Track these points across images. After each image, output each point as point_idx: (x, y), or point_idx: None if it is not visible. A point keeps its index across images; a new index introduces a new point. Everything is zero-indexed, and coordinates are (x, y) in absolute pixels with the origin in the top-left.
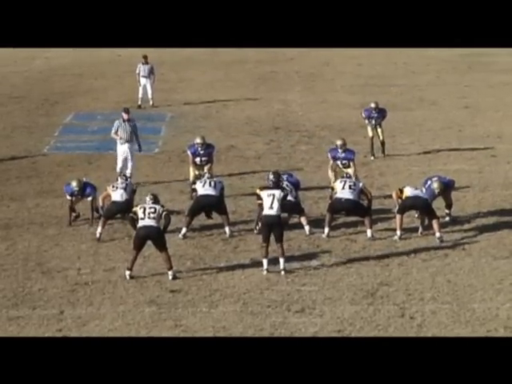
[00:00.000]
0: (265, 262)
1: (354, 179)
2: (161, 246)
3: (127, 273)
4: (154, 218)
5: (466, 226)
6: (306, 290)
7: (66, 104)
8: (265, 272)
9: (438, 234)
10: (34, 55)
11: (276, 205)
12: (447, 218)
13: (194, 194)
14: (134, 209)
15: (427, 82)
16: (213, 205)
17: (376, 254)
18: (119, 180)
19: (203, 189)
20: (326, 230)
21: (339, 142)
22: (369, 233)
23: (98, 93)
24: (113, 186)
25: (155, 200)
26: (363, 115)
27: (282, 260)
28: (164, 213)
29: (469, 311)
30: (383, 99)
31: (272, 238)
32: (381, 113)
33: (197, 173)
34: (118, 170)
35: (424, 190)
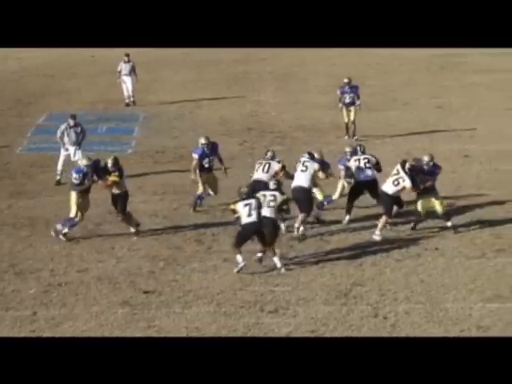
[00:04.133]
0: (239, 257)
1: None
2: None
3: None
4: None
5: (439, 226)
6: (279, 291)
7: (39, 105)
8: (241, 265)
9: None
10: (6, 56)
11: (254, 212)
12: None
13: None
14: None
15: (400, 82)
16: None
17: (349, 254)
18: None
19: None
20: (347, 217)
21: (348, 149)
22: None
23: (71, 93)
24: None
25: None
26: (338, 93)
27: (275, 259)
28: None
29: (442, 311)
30: None
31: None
32: (354, 88)
33: (201, 186)
34: (58, 171)
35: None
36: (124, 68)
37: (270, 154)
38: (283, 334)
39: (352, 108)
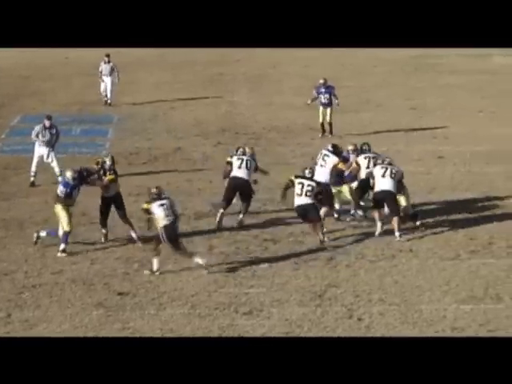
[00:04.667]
0: (156, 261)
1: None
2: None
3: None
4: None
5: (414, 228)
6: (253, 292)
7: (13, 106)
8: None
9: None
10: None
11: (170, 212)
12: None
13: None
14: None
15: (374, 83)
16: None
17: (324, 256)
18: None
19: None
20: (379, 224)
21: (351, 148)
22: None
23: (46, 95)
24: None
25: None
26: (314, 93)
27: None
28: None
29: (416, 312)
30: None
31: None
32: (329, 89)
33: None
34: (33, 172)
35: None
36: (104, 68)
37: (244, 150)
38: (258, 335)
39: (328, 109)
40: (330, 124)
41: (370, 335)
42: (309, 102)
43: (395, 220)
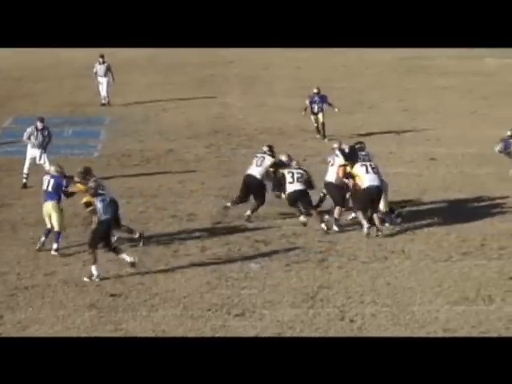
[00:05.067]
0: (94, 269)
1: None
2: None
3: None
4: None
5: (406, 229)
6: (245, 294)
7: (5, 108)
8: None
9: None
10: None
11: (109, 209)
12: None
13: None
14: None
15: (366, 85)
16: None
17: (316, 257)
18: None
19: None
20: (366, 225)
21: (335, 145)
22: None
23: (38, 96)
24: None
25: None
26: (307, 102)
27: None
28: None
29: (408, 314)
30: None
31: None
32: (322, 98)
33: None
34: (25, 174)
35: None
36: (99, 69)
37: (265, 148)
38: (250, 336)
39: (320, 114)
40: (323, 125)
41: (362, 336)
42: (303, 113)
43: (377, 216)
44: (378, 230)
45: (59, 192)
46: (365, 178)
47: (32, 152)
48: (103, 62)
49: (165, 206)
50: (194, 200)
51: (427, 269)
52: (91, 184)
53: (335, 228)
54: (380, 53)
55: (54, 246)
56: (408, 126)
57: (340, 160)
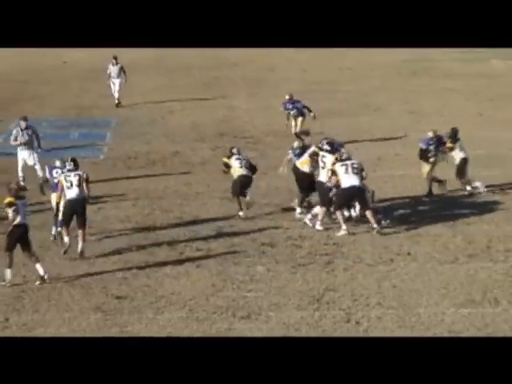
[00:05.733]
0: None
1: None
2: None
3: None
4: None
5: (412, 231)
6: (251, 296)
7: (11, 110)
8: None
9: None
10: None
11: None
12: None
13: None
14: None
15: (372, 87)
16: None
17: (322, 260)
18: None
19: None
20: (344, 226)
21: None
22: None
23: (44, 99)
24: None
25: (75, 165)
26: (281, 109)
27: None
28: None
29: (414, 316)
30: (328, 105)
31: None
32: (295, 103)
33: None
34: (20, 176)
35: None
36: (113, 70)
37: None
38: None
39: (300, 118)
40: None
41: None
42: (286, 122)
43: (369, 213)
44: (373, 228)
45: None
46: (343, 178)
47: (22, 154)
48: (116, 63)
49: (170, 208)
50: (200, 202)
51: (433, 271)
52: (13, 185)
53: (318, 227)
54: (385, 55)
55: (54, 230)
56: (413, 128)
57: (330, 159)
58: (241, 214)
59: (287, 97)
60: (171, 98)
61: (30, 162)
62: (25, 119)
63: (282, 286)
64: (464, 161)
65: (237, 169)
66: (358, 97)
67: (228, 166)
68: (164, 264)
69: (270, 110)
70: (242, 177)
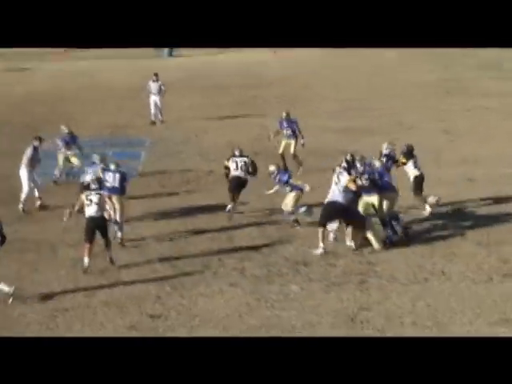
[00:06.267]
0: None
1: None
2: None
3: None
4: (97, 204)
5: (446, 250)
6: (285, 315)
7: (45, 130)
8: None
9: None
10: (13, 81)
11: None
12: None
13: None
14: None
15: (406, 105)
16: None
17: (355, 279)
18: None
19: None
20: (321, 244)
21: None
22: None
23: (78, 118)
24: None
25: (99, 184)
26: (278, 127)
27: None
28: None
29: (448, 335)
30: (362, 123)
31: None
32: (291, 123)
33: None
34: (23, 198)
35: None
36: (153, 87)
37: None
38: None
39: (292, 141)
40: (295, 156)
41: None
42: (272, 136)
43: (350, 230)
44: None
45: (123, 185)
46: (330, 191)
47: (30, 175)
48: (157, 80)
49: (204, 227)
50: (234, 221)
51: (467, 290)
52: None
53: (316, 251)
54: (419, 74)
55: (119, 234)
56: (447, 147)
57: (346, 177)
58: (229, 207)
59: (284, 114)
60: (206, 116)
61: (33, 183)
62: (39, 140)
63: (315, 304)
64: (417, 178)
65: (232, 170)
66: (392, 115)
67: (227, 168)
68: (198, 283)
69: (305, 129)
70: (235, 178)
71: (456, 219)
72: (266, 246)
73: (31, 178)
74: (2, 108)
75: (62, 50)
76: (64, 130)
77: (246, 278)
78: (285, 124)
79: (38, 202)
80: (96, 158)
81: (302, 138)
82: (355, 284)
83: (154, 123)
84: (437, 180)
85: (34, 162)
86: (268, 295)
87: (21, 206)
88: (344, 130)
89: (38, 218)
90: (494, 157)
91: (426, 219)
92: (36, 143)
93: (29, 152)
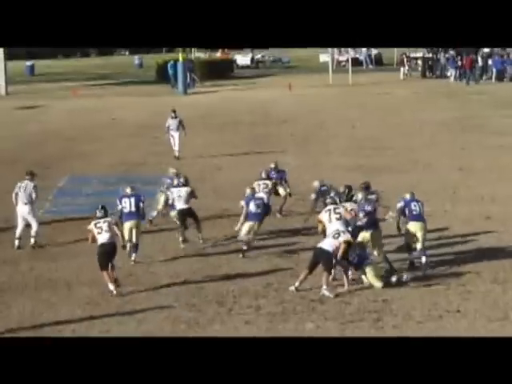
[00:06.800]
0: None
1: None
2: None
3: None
4: (107, 231)
5: (462, 288)
6: None
7: (60, 167)
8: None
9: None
10: (27, 118)
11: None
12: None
13: None
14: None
15: (421, 143)
16: None
17: (370, 317)
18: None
19: None
20: (297, 283)
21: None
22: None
23: (92, 156)
24: (96, 226)
25: (104, 212)
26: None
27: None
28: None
29: None
30: (378, 161)
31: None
32: (280, 173)
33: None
34: (18, 234)
35: None
36: (172, 123)
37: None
38: None
39: (281, 189)
40: (284, 198)
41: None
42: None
43: (325, 276)
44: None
45: (139, 208)
46: (327, 227)
47: (22, 209)
48: (175, 117)
49: (219, 264)
50: (248, 259)
51: (483, 328)
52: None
53: (327, 293)
54: (435, 112)
55: (133, 256)
56: (463, 185)
57: (343, 210)
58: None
59: (272, 165)
60: (220, 153)
61: (28, 218)
62: (32, 174)
63: None
64: None
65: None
66: (408, 153)
67: None
68: (213, 321)
69: (318, 167)
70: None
71: (471, 256)
72: (280, 283)
73: (35, 215)
74: (14, 145)
75: (75, 86)
76: (172, 171)
77: (261, 315)
78: (273, 174)
79: (16, 242)
80: (128, 189)
81: (288, 187)
82: (370, 322)
83: (178, 158)
84: (453, 217)
85: (34, 199)
86: (283, 333)
87: (32, 240)
88: (358, 167)
89: (53, 256)
90: (510, 195)
91: (442, 254)
92: (34, 180)
93: (29, 188)
